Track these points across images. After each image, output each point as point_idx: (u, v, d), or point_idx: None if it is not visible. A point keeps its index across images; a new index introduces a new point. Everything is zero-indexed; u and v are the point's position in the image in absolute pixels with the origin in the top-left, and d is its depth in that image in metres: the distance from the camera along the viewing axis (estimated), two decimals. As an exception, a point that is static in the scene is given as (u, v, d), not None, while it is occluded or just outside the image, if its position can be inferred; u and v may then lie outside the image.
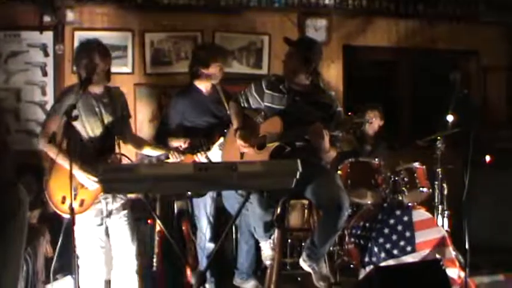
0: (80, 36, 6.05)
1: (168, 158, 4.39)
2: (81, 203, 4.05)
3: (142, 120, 6.35)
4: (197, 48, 5.93)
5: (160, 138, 5.16)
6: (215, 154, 4.86)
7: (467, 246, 4.10)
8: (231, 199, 4.95)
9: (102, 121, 4.19)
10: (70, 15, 6.13)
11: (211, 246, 5.13)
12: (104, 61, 4.15)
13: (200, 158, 4.81)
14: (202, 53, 5.26)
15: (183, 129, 5.10)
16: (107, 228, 4.25)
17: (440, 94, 5.53)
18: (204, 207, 5.12)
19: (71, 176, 3.60)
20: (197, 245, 5.21)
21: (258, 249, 4.81)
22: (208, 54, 5.20)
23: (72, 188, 3.59)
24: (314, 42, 4.58)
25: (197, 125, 5.11)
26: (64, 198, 3.93)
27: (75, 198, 4.00)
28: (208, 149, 4.59)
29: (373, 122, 6.15)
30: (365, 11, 6.96)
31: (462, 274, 4.82)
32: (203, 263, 5.13)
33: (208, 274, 5.11)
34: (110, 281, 4.34)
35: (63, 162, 3.93)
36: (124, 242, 4.26)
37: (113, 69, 4.35)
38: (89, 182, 4.01)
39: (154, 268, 5.27)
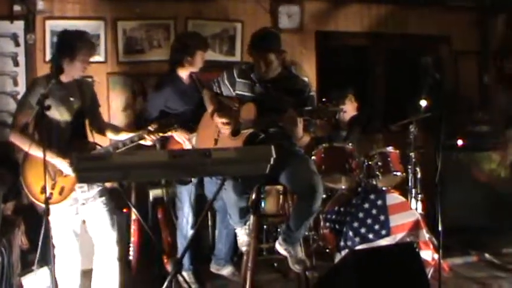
0: (51, 25, 6.00)
1: (141, 138, 4.34)
2: (61, 191, 4.03)
3: (115, 109, 6.31)
4: (180, 36, 5.91)
5: (141, 126, 5.14)
6: None
7: (440, 229, 4.15)
8: (211, 185, 4.98)
9: (72, 110, 4.16)
10: (40, 4, 6.04)
11: None
12: (88, 55, 4.14)
13: (186, 145, 4.82)
14: (186, 41, 5.24)
15: (165, 116, 5.08)
16: (83, 217, 4.23)
17: (412, 79, 5.58)
18: (188, 195, 5.12)
19: (45, 165, 3.58)
20: (178, 233, 5.20)
21: (234, 235, 4.83)
22: (193, 42, 5.19)
23: (46, 176, 3.58)
24: (270, 33, 4.50)
25: (179, 113, 5.10)
26: (43, 188, 3.89)
27: (54, 187, 4.00)
28: (177, 128, 4.56)
29: (348, 109, 6.16)
30: (337, -4, 7.00)
31: (436, 256, 4.88)
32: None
33: (187, 262, 5.12)
34: (89, 270, 4.32)
35: (36, 152, 3.91)
36: (104, 229, 4.23)
37: (86, 58, 4.32)
38: (68, 168, 3.99)
39: (131, 257, 5.28)
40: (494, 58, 6.44)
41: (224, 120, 4.40)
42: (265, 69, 4.30)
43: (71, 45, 4.08)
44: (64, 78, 4.15)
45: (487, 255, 5.83)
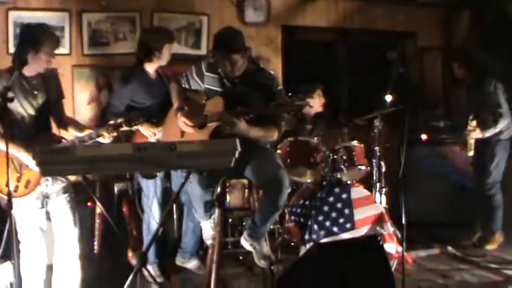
0: (14, 16, 5.92)
1: (99, 136, 4.28)
2: (27, 184, 3.98)
3: (80, 102, 6.25)
4: (146, 31, 5.87)
5: (107, 120, 5.10)
6: None
7: (404, 222, 4.20)
8: (178, 178, 4.96)
9: (36, 104, 4.10)
10: (3, -5, 5.96)
11: None
12: (52, 48, 4.08)
13: (151, 139, 4.81)
14: (154, 35, 5.21)
15: (131, 110, 5.04)
16: (48, 211, 4.17)
17: (378, 74, 5.63)
18: (153, 188, 5.10)
19: (8, 158, 3.52)
20: (144, 226, 5.18)
21: (200, 229, 4.83)
22: (161, 36, 5.16)
23: (9, 170, 3.52)
24: (232, 33, 4.37)
25: (146, 107, 5.07)
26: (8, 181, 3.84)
27: (19, 180, 3.95)
28: (143, 122, 4.53)
29: (315, 103, 6.16)
30: (304, -9, 7.02)
31: (400, 249, 4.93)
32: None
33: (152, 255, 5.11)
34: (51, 265, 4.27)
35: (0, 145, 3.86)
36: (66, 225, 4.18)
37: (51, 51, 4.26)
38: (32, 162, 3.93)
39: (96, 251, 5.24)
40: (455, 55, 6.53)
41: (187, 121, 4.35)
42: (231, 68, 4.27)
43: (35, 38, 4.00)
44: (28, 72, 4.08)
45: (449, 247, 5.94)
